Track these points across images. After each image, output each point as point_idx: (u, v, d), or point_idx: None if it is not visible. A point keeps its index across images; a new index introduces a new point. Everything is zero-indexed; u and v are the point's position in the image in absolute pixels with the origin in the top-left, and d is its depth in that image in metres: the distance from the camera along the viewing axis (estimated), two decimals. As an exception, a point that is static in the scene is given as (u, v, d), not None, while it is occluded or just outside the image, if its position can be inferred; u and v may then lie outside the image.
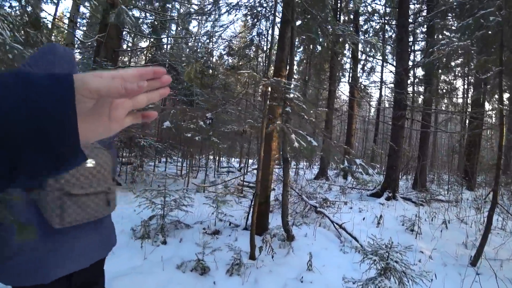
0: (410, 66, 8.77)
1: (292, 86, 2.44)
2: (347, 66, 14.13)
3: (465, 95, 14.28)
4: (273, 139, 3.79)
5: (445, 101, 12.90)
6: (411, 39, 10.13)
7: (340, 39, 3.53)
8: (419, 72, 13.46)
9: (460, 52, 4.95)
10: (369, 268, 2.20)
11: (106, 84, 0.29)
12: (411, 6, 10.00)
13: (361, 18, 12.49)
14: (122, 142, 7.18)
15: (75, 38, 7.69)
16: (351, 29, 3.83)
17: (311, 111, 2.76)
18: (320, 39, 3.60)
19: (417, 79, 12.74)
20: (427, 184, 9.40)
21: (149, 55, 12.61)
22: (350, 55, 12.53)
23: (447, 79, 11.72)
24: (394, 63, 10.08)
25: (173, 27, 14.56)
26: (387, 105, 17.96)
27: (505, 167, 10.25)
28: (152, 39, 10.99)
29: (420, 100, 14.42)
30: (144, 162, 7.84)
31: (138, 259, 3.09)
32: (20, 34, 3.94)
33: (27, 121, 0.24)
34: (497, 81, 4.10)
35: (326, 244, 3.58)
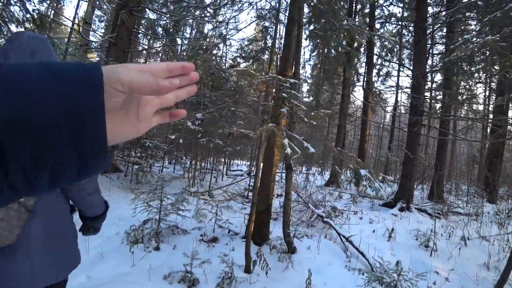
0: (427, 70, 8.33)
1: (291, 82, 2.21)
2: (362, 70, 13.74)
3: (487, 102, 13.57)
4: (276, 143, 3.56)
5: (465, 107, 12.27)
6: (429, 42, 9.66)
7: (346, 33, 3.27)
8: (438, 77, 12.92)
9: (483, 50, 4.56)
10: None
11: (140, 77, 0.26)
12: (430, 9, 9.57)
13: (378, 22, 12.11)
14: (129, 141, 7.13)
15: (86, 38, 7.75)
16: (362, 25, 3.56)
17: (312, 113, 2.51)
18: (327, 34, 3.35)
19: (435, 84, 12.20)
20: (444, 195, 8.87)
21: (163, 56, 12.68)
22: (365, 59, 12.17)
23: (467, 85, 11.13)
24: (411, 67, 9.65)
25: (188, 30, 14.64)
26: (403, 111, 17.34)
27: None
28: (165, 41, 11.01)
29: (438, 106, 13.83)
30: (150, 163, 7.75)
31: (126, 265, 2.91)
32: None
33: (54, 112, 0.22)
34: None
35: (330, 258, 3.29)
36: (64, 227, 1.05)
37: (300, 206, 5.46)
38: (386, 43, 8.91)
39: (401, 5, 11.82)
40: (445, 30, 10.59)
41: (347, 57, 5.96)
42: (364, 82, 11.14)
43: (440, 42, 11.97)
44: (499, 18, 3.39)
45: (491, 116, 10.13)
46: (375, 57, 12.27)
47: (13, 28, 4.32)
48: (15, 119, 0.21)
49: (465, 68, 6.56)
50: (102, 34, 13.41)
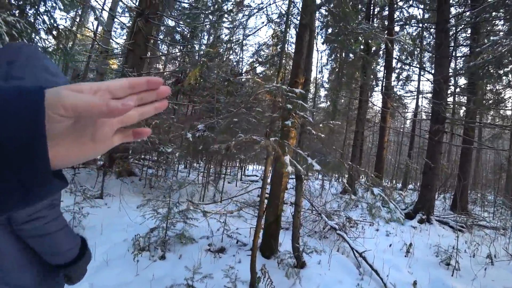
0: (450, 74, 7.93)
1: (297, 92, 2.10)
2: (381, 74, 13.34)
3: (517, 107, 12.76)
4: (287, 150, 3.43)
5: (492, 113, 11.59)
6: (451, 44, 9.21)
7: (360, 38, 3.11)
8: (461, 81, 12.33)
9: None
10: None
11: (85, 100, 0.24)
12: (452, 10, 9.13)
13: (397, 25, 11.73)
14: (144, 146, 7.21)
15: (103, 46, 7.97)
16: (378, 28, 3.39)
17: (321, 125, 2.37)
18: (340, 38, 3.21)
19: (458, 89, 11.64)
20: (468, 206, 8.35)
21: (181, 62, 12.89)
22: (383, 63, 11.83)
23: (494, 89, 10.51)
24: (433, 71, 9.24)
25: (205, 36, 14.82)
26: (424, 117, 16.66)
27: None
28: (182, 47, 11.19)
29: (461, 112, 13.16)
30: (164, 168, 7.81)
31: (130, 274, 2.88)
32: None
33: None
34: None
35: (341, 275, 3.11)
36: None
37: (313, 216, 5.28)
38: (406, 46, 8.61)
39: (422, 6, 11.42)
40: (469, 31, 10.08)
41: (363, 62, 5.76)
42: (383, 87, 10.79)
43: (464, 44, 11.43)
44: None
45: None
46: (394, 60, 11.89)
47: (42, 35, 4.49)
48: None
49: (492, 71, 6.17)
50: (123, 41, 13.84)
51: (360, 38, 3.11)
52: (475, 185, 13.67)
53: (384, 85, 10.74)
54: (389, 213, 2.69)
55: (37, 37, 4.45)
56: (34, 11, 4.52)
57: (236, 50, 10.67)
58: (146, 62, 10.43)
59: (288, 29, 3.20)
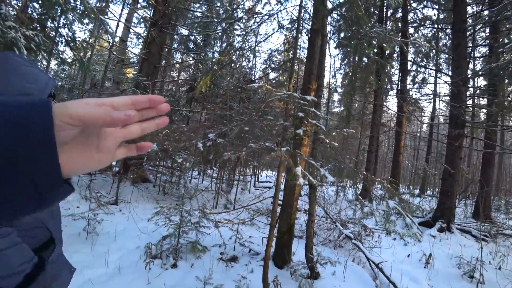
0: (469, 76, 7.65)
1: (308, 99, 2.04)
2: (396, 77, 13.04)
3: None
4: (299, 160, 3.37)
5: (515, 115, 11.07)
6: (469, 45, 8.89)
7: (373, 42, 3.03)
8: (481, 81, 11.89)
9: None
10: None
11: (90, 110, 0.27)
12: (469, 9, 8.83)
13: (411, 26, 11.47)
14: (158, 153, 7.31)
15: (119, 56, 8.18)
16: (392, 32, 3.31)
17: (334, 133, 2.31)
18: (353, 42, 3.14)
19: (478, 90, 11.21)
20: (491, 213, 7.95)
21: (193, 69, 13.08)
22: (398, 66, 11.57)
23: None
24: (450, 72, 8.94)
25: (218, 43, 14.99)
26: (441, 120, 16.13)
27: None
28: (195, 55, 11.36)
29: (482, 114, 12.65)
30: (178, 175, 7.87)
31: (142, 282, 2.88)
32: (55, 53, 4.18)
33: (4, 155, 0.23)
34: None
35: (356, 287, 3.00)
36: None
37: (327, 224, 5.16)
38: (421, 48, 8.40)
39: (436, 7, 11.14)
40: (488, 30, 9.72)
41: (377, 66, 5.64)
42: (398, 91, 10.53)
43: (483, 44, 11.03)
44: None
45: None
46: (409, 63, 11.61)
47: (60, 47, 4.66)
48: None
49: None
50: (139, 50, 14.21)
51: (373, 42, 3.03)
52: (499, 191, 13.05)
53: (399, 88, 10.48)
54: (405, 228, 2.56)
55: (56, 49, 4.62)
56: (54, 25, 4.70)
57: (249, 57, 10.73)
58: (160, 70, 10.64)
59: (299, 35, 3.16)
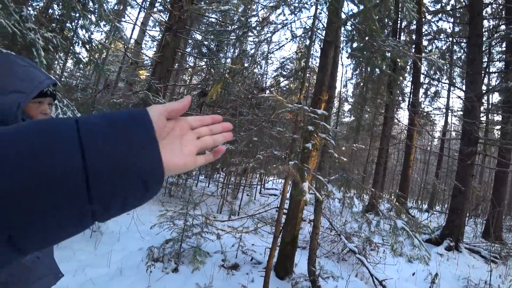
0: (484, 91, 7.50)
1: (319, 113, 2.03)
2: (407, 89, 12.88)
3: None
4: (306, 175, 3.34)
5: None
6: (484, 59, 8.73)
7: (387, 54, 3.00)
8: (496, 97, 11.64)
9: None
10: None
11: (171, 103, 0.35)
12: (485, 23, 8.69)
13: (425, 39, 11.35)
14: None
15: (133, 59, 8.35)
16: (406, 46, 3.28)
17: (343, 147, 2.28)
18: (365, 55, 3.12)
19: (492, 106, 10.97)
20: (502, 234, 7.70)
21: (205, 74, 13.21)
22: (411, 78, 11.43)
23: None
24: (463, 87, 8.79)
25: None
26: (453, 135, 15.81)
27: None
28: (208, 60, 11.49)
29: (495, 131, 12.35)
30: (183, 178, 7.91)
31: (142, 285, 2.88)
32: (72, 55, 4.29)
33: (127, 163, 0.28)
34: None
35: (359, 304, 2.94)
36: None
37: (332, 236, 5.08)
38: (436, 63, 8.29)
39: (452, 20, 11.02)
40: (504, 45, 9.54)
41: (389, 79, 5.58)
42: (410, 103, 10.39)
43: (499, 59, 10.83)
44: None
45: None
46: (422, 76, 11.47)
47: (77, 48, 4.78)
48: (105, 168, 0.26)
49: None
50: (153, 53, 14.47)
51: (387, 55, 3.00)
52: (511, 211, 12.65)
53: (411, 101, 10.34)
54: (413, 250, 2.49)
55: (72, 50, 4.74)
56: (73, 27, 4.83)
57: (261, 63, 10.79)
58: (173, 74, 10.79)
59: (312, 44, 3.16)
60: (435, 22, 11.37)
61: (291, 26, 3.83)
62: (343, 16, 3.98)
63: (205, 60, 12.06)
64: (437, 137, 15.98)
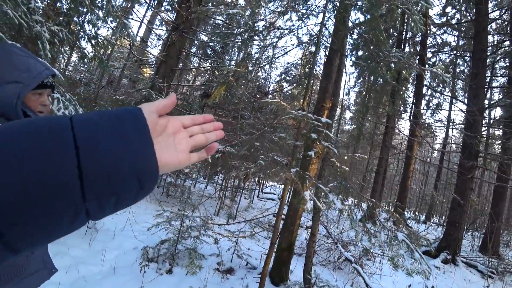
0: (486, 106, 7.51)
1: (323, 121, 2.02)
2: (410, 100, 12.88)
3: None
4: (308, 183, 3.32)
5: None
6: (488, 74, 8.75)
7: (392, 65, 2.99)
8: (497, 112, 11.66)
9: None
10: None
11: (161, 100, 0.36)
12: (490, 38, 8.72)
13: (429, 51, 11.39)
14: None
15: (138, 56, 8.36)
16: (412, 57, 3.27)
17: (345, 157, 2.26)
18: (370, 64, 3.12)
19: (493, 121, 10.98)
20: (500, 249, 7.66)
21: (209, 75, 13.24)
22: (413, 89, 11.45)
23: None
24: (466, 100, 8.80)
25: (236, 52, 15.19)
26: (453, 148, 15.81)
27: None
28: (212, 62, 11.53)
29: (495, 145, 12.34)
30: (182, 178, 7.87)
31: (135, 285, 2.84)
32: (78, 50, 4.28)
33: (123, 162, 0.27)
34: None
35: (354, 315, 2.90)
36: None
37: (328, 244, 5.04)
38: (441, 76, 8.30)
39: (456, 33, 11.06)
40: (507, 60, 9.57)
41: (392, 89, 5.58)
42: (411, 114, 10.39)
43: (502, 74, 10.86)
44: None
45: None
46: (424, 87, 11.49)
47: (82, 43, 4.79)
48: (103, 167, 0.26)
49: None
50: (158, 52, 14.51)
51: (392, 65, 3.00)
52: (509, 226, 12.61)
53: (412, 112, 10.35)
54: (413, 264, 2.46)
55: (77, 45, 4.74)
56: (79, 22, 4.83)
57: (265, 68, 10.81)
58: (177, 73, 10.81)
59: (318, 52, 3.16)
60: (440, 35, 11.42)
61: (297, 32, 3.83)
62: (350, 24, 3.98)
63: (209, 61, 12.10)
64: (437, 149, 15.97)
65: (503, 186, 7.48)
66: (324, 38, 4.30)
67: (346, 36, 3.64)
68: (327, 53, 3.93)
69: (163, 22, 11.87)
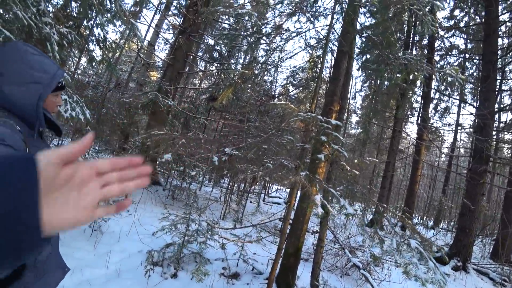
0: (496, 109, 7.37)
1: (333, 124, 1.97)
2: (417, 104, 12.73)
3: None
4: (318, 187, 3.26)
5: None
6: (498, 77, 8.59)
7: (402, 67, 2.94)
8: (508, 115, 11.46)
9: None
10: None
11: (66, 148, 0.30)
12: (499, 41, 8.57)
13: (437, 54, 11.26)
14: (172, 164, 7.32)
15: (145, 60, 8.42)
16: (422, 60, 3.22)
17: (356, 160, 2.21)
18: (380, 67, 3.07)
19: (506, 124, 10.77)
20: (512, 256, 7.45)
21: (215, 78, 13.30)
22: (421, 93, 11.31)
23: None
24: (475, 103, 8.66)
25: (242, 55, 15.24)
26: (462, 152, 15.55)
27: None
28: (218, 65, 11.58)
29: (505, 149, 12.09)
30: (188, 182, 7.85)
31: (139, 290, 2.80)
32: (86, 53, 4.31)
33: None
34: None
35: (363, 323, 2.82)
36: None
37: (336, 249, 4.95)
38: (448, 77, 8.19)
39: (465, 36, 10.93)
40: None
41: (400, 93, 5.51)
42: (419, 118, 10.26)
43: (511, 78, 10.68)
44: None
45: None
46: (432, 90, 11.34)
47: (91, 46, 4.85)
48: None
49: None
50: (165, 55, 14.62)
51: (401, 68, 2.94)
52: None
53: (420, 115, 10.21)
54: (428, 273, 2.38)
55: (86, 48, 4.78)
56: (89, 25, 4.88)
57: (271, 71, 10.82)
58: (183, 77, 10.87)
59: (326, 54, 3.12)
60: (448, 38, 11.29)
61: (305, 35, 3.81)
62: (358, 26, 3.94)
63: (215, 65, 12.16)
64: (445, 153, 15.75)
65: (514, 191, 7.29)
66: (332, 40, 4.26)
67: (355, 39, 3.59)
68: (334, 55, 3.88)
69: (171, 26, 11.98)
